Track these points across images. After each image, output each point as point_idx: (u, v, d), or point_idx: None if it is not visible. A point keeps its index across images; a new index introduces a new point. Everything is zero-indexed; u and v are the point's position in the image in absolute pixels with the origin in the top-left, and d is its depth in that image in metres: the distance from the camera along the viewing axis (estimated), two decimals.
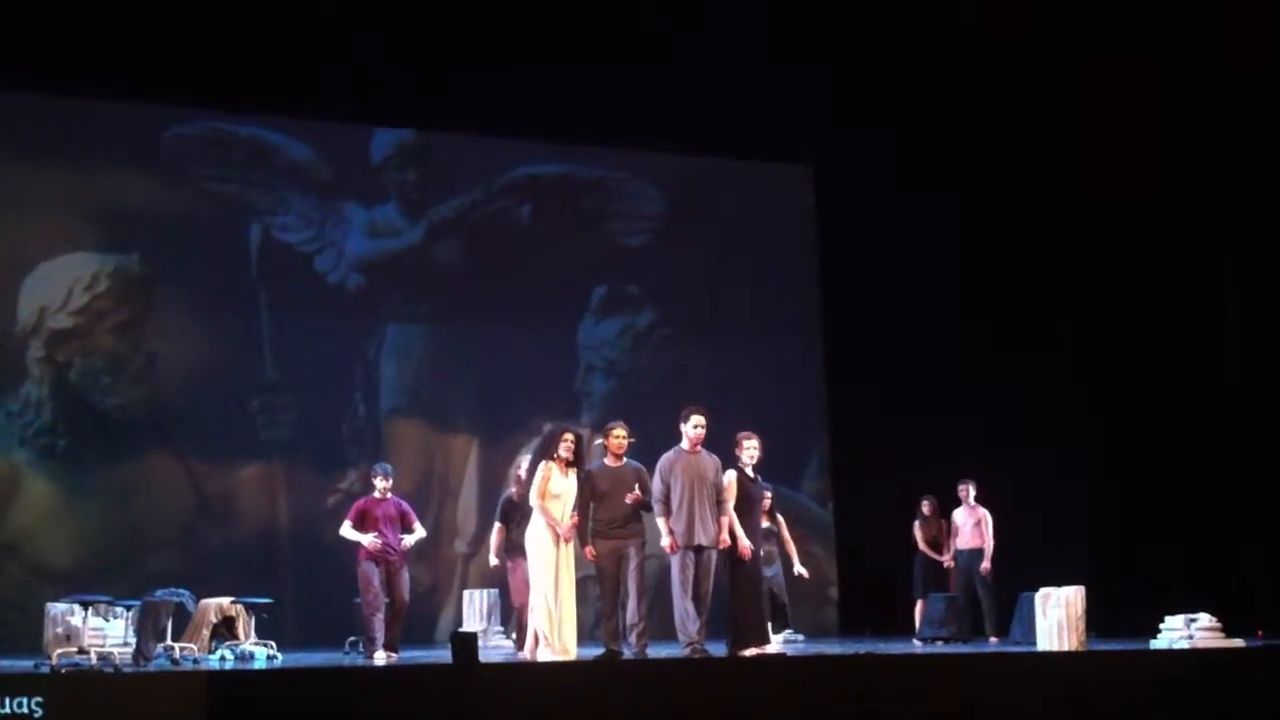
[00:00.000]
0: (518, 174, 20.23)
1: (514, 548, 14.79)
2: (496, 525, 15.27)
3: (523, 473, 14.53)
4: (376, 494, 14.54)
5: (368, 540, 14.24)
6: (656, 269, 20.52)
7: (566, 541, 13.00)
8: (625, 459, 13.33)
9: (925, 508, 17.70)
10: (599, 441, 13.50)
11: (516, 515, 14.79)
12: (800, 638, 17.10)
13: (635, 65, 18.68)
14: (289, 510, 18.64)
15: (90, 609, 13.41)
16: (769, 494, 15.35)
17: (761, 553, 14.24)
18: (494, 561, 15.24)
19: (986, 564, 16.85)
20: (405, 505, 14.76)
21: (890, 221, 19.86)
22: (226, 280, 18.82)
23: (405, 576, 14.59)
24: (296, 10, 17.69)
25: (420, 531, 14.80)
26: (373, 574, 14.31)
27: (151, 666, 12.81)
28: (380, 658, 13.86)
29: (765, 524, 15.26)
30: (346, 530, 14.42)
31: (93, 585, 16.60)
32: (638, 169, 20.69)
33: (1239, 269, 17.55)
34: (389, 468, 14.75)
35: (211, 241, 18.77)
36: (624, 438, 13.32)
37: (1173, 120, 17.89)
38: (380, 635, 14.08)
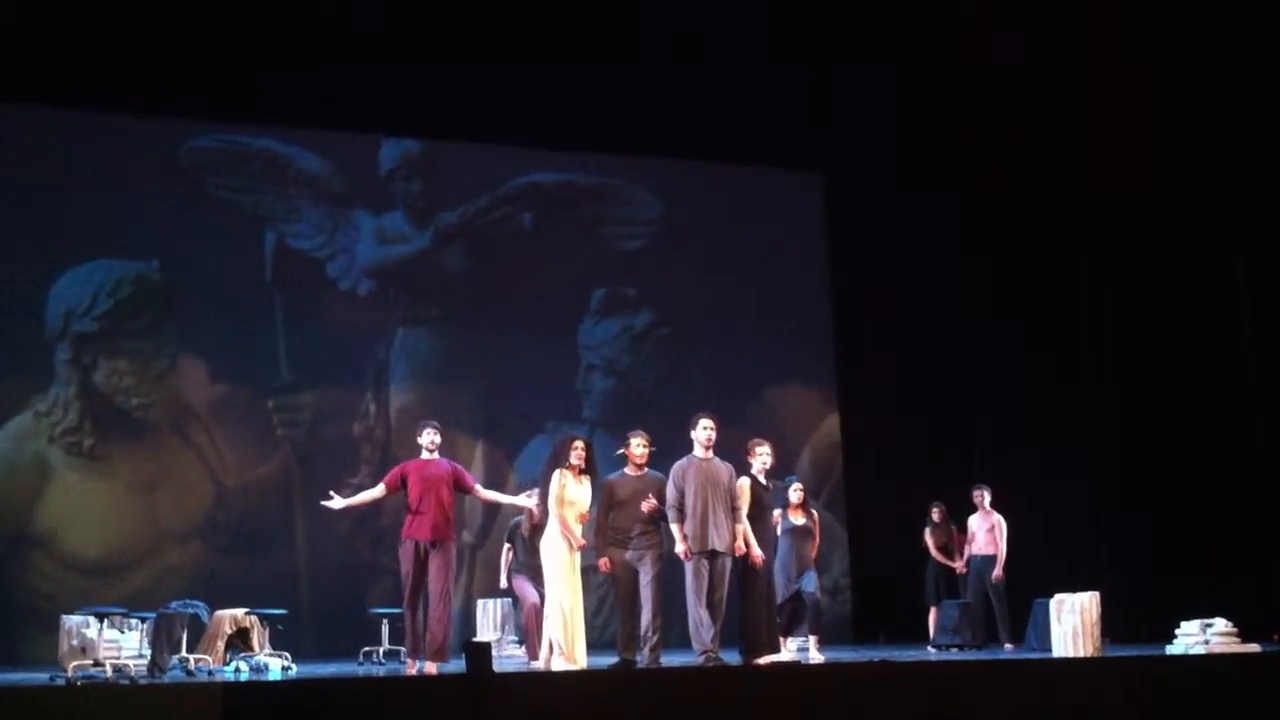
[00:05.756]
0: (520, 182, 19.24)
1: (521, 568, 13.77)
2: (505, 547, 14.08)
3: (535, 501, 13.15)
4: (425, 454, 12.33)
5: (338, 502, 12.29)
6: (654, 272, 19.54)
7: (580, 549, 11.76)
8: (646, 469, 12.09)
9: (935, 514, 16.50)
10: (620, 451, 12.20)
11: (519, 541, 13.84)
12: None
13: (635, 74, 17.84)
14: (304, 504, 17.42)
15: (105, 621, 12.17)
16: (799, 487, 13.80)
17: (793, 555, 13.35)
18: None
19: (999, 571, 15.60)
20: (459, 466, 12.58)
21: (896, 224, 18.89)
22: (243, 286, 17.90)
23: (447, 559, 12.10)
24: (307, 28, 16.86)
25: (490, 493, 13.11)
26: (408, 558, 12.04)
27: (166, 678, 11.70)
28: (413, 668, 12.08)
29: (802, 520, 13.70)
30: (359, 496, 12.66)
31: (117, 577, 16.62)
32: (636, 175, 19.71)
33: (1250, 264, 16.42)
34: (436, 423, 12.63)
35: (228, 249, 17.83)
36: (644, 447, 12.03)
37: (1174, 118, 16.78)
38: (419, 641, 12.05)
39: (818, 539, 13.98)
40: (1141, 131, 16.73)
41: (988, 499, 15.90)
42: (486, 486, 13.50)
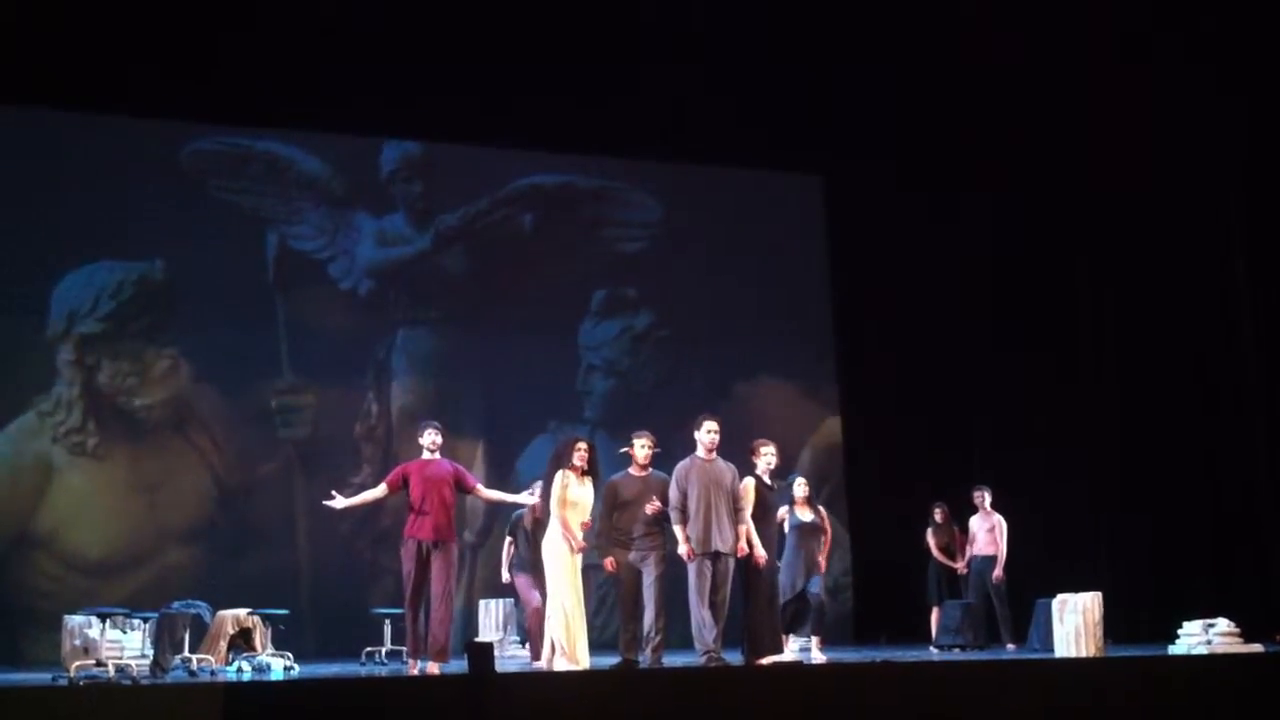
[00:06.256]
0: (520, 184, 19.12)
1: (523, 563, 13.64)
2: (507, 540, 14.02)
3: (537, 499, 12.89)
4: (425, 454, 12.18)
5: (339, 502, 12.18)
6: (654, 273, 19.41)
7: (580, 552, 11.61)
8: (650, 469, 11.93)
9: (937, 514, 16.29)
10: (623, 451, 12.08)
11: (521, 535, 13.71)
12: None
13: (635, 75, 17.73)
14: (306, 504, 17.31)
15: (108, 621, 12.06)
16: (803, 481, 13.78)
17: (800, 552, 13.28)
18: None
19: (999, 572, 15.43)
20: (460, 466, 12.45)
21: (896, 224, 18.81)
22: (245, 286, 17.78)
23: (449, 559, 11.94)
24: (307, 30, 16.80)
25: (492, 492, 12.89)
26: (410, 558, 11.88)
27: (169, 678, 11.60)
28: (414, 669, 11.92)
29: (809, 516, 13.60)
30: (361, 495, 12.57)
31: (120, 576, 16.55)
32: (636, 177, 19.57)
33: (1250, 264, 16.25)
34: (438, 423, 12.47)
35: (230, 250, 17.74)
36: (648, 448, 11.87)
37: (1174, 118, 16.64)
38: (420, 642, 11.89)
39: (829, 535, 13.85)
40: (1141, 131, 16.59)
41: (988, 500, 15.73)
42: (488, 487, 13.36)
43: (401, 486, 12.15)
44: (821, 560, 13.67)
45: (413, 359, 18.31)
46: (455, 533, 12.25)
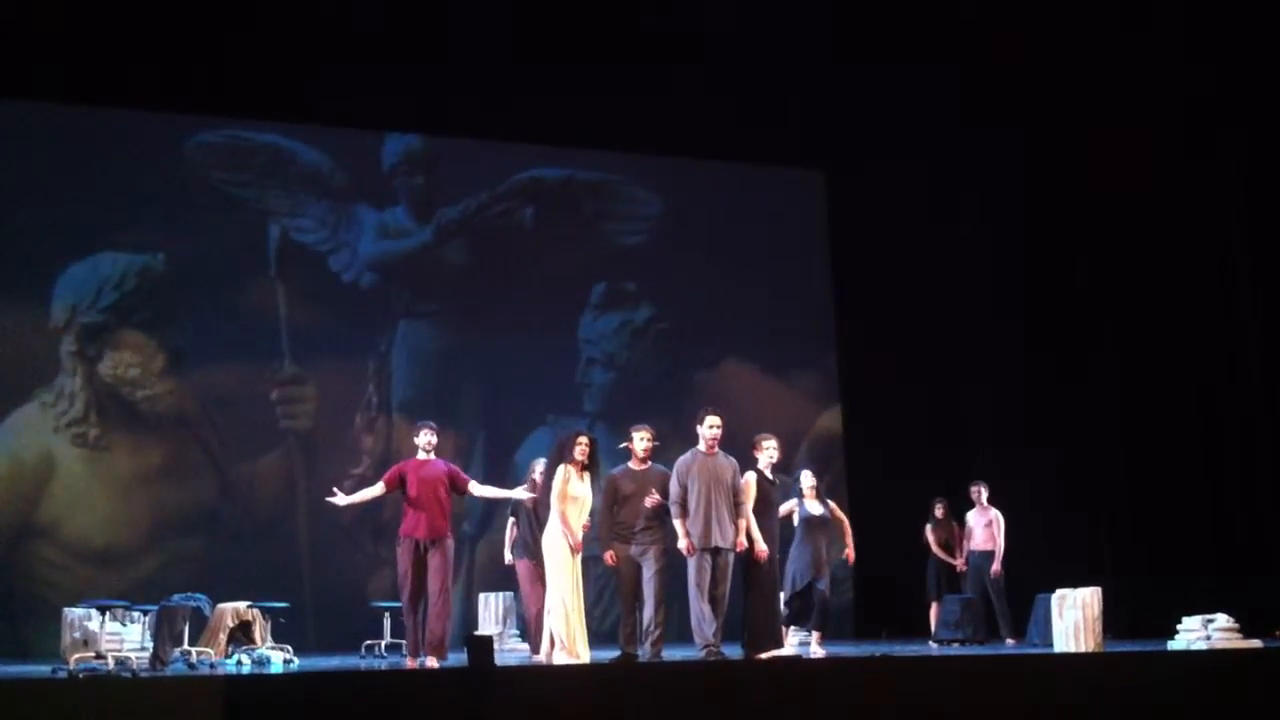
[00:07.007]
0: (521, 177, 19.09)
1: (525, 545, 13.39)
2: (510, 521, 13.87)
3: (538, 477, 12.88)
4: (420, 455, 12.16)
5: (341, 499, 12.15)
6: (654, 267, 19.36)
7: (577, 552, 11.53)
8: (650, 463, 11.90)
9: (937, 510, 16.17)
10: (623, 445, 12.05)
11: (523, 515, 13.46)
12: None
13: (635, 74, 17.69)
14: (306, 495, 17.33)
15: (107, 614, 12.06)
16: (809, 473, 13.69)
17: (806, 546, 13.10)
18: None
19: (997, 566, 15.35)
20: (454, 466, 12.39)
21: (897, 222, 18.81)
22: (247, 278, 17.79)
23: (445, 557, 11.89)
24: (310, 26, 16.79)
25: (486, 490, 12.76)
26: (407, 556, 11.85)
27: (168, 671, 11.53)
28: (411, 664, 11.86)
29: (818, 509, 13.45)
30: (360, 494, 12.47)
31: (121, 567, 16.55)
32: (636, 171, 19.53)
33: (1252, 265, 16.12)
34: (433, 424, 12.48)
35: (232, 242, 17.70)
36: (648, 441, 11.84)
37: (1173, 118, 16.52)
38: (419, 638, 11.84)
39: (848, 526, 13.71)
40: (1141, 131, 16.48)
41: (985, 495, 15.63)
42: (487, 479, 13.37)
43: (399, 485, 12.12)
44: (849, 552, 13.65)
45: (413, 351, 18.28)
46: (451, 530, 12.17)
